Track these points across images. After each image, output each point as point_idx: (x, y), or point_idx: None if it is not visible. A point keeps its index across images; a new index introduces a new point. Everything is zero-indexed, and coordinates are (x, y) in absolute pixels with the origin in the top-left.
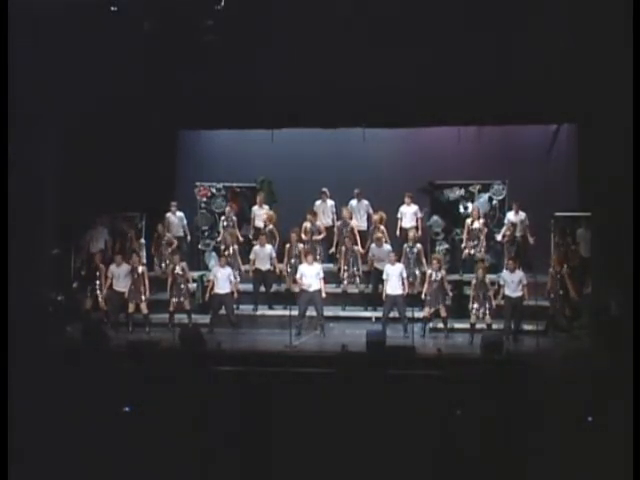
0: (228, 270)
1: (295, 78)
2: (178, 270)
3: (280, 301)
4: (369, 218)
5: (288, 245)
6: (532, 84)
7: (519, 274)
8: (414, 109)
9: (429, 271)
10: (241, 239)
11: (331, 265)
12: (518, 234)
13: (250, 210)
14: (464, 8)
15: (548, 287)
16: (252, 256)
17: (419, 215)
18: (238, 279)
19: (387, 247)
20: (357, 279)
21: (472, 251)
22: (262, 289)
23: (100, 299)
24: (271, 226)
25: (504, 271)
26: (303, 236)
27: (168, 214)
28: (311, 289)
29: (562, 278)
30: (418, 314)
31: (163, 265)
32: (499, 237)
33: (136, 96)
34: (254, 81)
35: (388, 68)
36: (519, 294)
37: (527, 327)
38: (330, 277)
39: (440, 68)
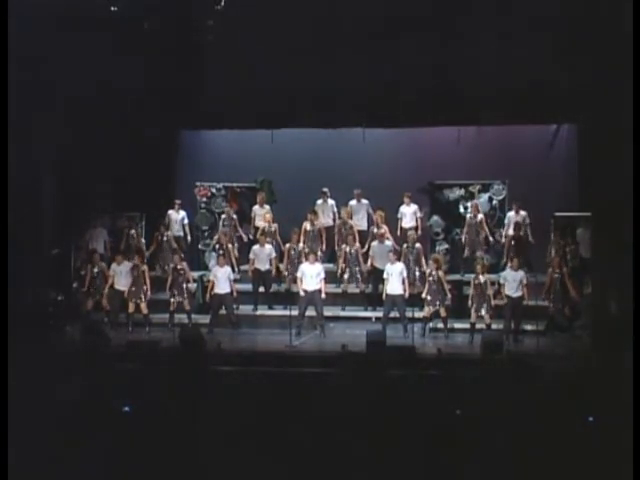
0: (227, 269)
1: (295, 78)
2: (179, 270)
3: (280, 301)
4: (369, 218)
5: (288, 245)
6: (532, 84)
7: (521, 273)
8: (414, 109)
9: (428, 271)
10: (245, 239)
11: (331, 265)
12: (521, 233)
13: (250, 210)
14: (464, 8)
15: (548, 287)
16: (251, 256)
17: (419, 215)
18: (233, 277)
19: (389, 244)
20: (357, 279)
21: (472, 246)
22: (262, 289)
23: (101, 299)
24: (275, 225)
25: (507, 270)
26: (302, 237)
27: (170, 211)
28: (310, 289)
29: (562, 278)
30: (418, 314)
31: (163, 265)
32: (503, 234)
33: (136, 96)
34: (254, 81)
35: (388, 68)
36: (519, 294)
37: (527, 327)
38: (330, 277)
39: (440, 68)
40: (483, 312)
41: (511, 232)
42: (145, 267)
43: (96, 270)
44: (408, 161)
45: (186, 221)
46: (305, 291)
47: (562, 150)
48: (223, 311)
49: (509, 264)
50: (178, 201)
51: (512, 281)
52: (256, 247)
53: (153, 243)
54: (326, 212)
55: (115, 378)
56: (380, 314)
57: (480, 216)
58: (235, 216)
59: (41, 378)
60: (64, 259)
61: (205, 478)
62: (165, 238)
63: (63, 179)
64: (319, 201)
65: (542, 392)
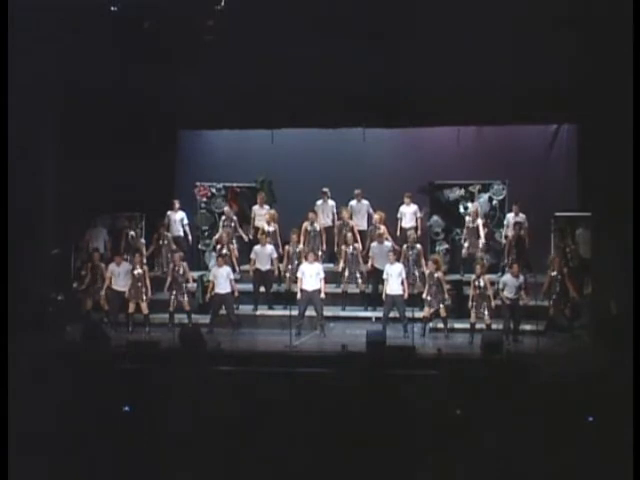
0: (227, 269)
1: (295, 78)
2: (179, 270)
3: (280, 301)
4: (369, 218)
5: (288, 245)
6: (532, 84)
7: (521, 279)
8: (414, 109)
9: (427, 271)
10: (246, 239)
11: (331, 265)
12: (521, 233)
13: (250, 210)
14: (465, 8)
15: (548, 287)
16: (252, 256)
17: (419, 215)
18: (232, 277)
19: (388, 244)
20: (357, 279)
21: (471, 250)
22: (262, 289)
23: (100, 299)
24: (275, 226)
25: (507, 275)
26: (302, 237)
27: (169, 212)
28: (310, 289)
29: (562, 278)
30: (418, 314)
31: (163, 265)
32: (503, 236)
33: (136, 96)
34: (254, 81)
35: (388, 68)
36: (517, 296)
37: (527, 327)
38: (330, 277)
39: (440, 68)
40: (484, 312)
41: (511, 233)
42: (145, 268)
43: (96, 270)
44: (408, 161)
45: (186, 221)
46: (305, 291)
47: (562, 150)
48: (223, 311)
49: (509, 270)
50: (177, 201)
51: (512, 286)
52: (257, 247)
53: (153, 244)
54: (325, 212)
55: (115, 378)
56: (380, 314)
57: (479, 221)
58: (235, 216)
59: (41, 378)
60: (64, 259)
61: (205, 477)
62: (165, 239)
63: (63, 179)
64: (319, 201)
65: (542, 392)
